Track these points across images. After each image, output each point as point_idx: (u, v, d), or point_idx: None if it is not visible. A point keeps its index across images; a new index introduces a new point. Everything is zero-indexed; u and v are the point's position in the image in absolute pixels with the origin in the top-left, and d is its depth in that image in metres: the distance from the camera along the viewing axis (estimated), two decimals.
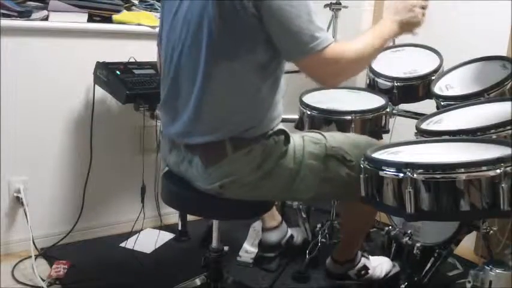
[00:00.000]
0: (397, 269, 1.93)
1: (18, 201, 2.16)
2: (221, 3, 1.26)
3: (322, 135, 1.51)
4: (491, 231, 1.73)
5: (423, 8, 1.45)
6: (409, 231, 1.86)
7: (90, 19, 2.21)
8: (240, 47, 1.29)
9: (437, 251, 1.82)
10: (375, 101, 1.95)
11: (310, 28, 1.24)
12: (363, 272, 1.86)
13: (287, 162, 1.41)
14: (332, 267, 1.87)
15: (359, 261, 1.86)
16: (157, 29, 2.25)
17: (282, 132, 1.42)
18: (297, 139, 1.46)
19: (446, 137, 1.42)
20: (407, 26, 1.44)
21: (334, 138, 1.50)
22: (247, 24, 1.26)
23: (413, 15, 1.43)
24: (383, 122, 1.90)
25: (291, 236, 2.16)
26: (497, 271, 1.45)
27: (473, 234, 2.07)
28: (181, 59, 1.39)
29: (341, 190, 1.47)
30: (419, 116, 1.70)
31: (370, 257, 1.92)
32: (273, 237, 2.12)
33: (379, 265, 1.91)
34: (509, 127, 1.33)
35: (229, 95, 1.34)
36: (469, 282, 1.50)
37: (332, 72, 1.32)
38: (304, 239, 2.22)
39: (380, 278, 1.90)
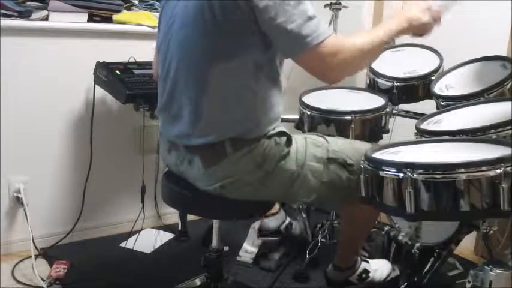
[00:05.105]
0: (396, 272, 1.92)
1: (18, 201, 2.16)
2: (216, 4, 1.25)
3: (325, 138, 1.51)
4: (491, 231, 1.73)
5: (436, 20, 1.43)
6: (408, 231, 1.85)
7: (90, 19, 2.21)
8: (237, 47, 1.29)
9: (437, 251, 1.82)
10: (374, 101, 1.95)
11: (306, 22, 1.22)
12: (363, 275, 1.85)
13: (289, 164, 1.40)
14: (333, 274, 1.85)
15: (359, 266, 1.86)
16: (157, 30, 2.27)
17: (284, 134, 1.42)
18: (299, 141, 1.46)
19: (446, 137, 1.42)
20: (416, 25, 1.40)
21: (336, 142, 1.50)
22: (243, 24, 1.25)
23: (424, 15, 1.40)
24: (383, 122, 1.90)
25: (290, 223, 2.17)
26: (497, 271, 1.45)
27: (473, 234, 2.07)
28: (178, 61, 1.38)
29: (340, 194, 1.47)
30: (419, 116, 1.70)
31: (369, 260, 1.92)
32: (272, 222, 2.13)
33: (379, 268, 1.91)
34: (509, 127, 1.33)
35: (227, 96, 1.34)
36: (469, 282, 1.50)
37: (333, 66, 1.27)
38: (302, 232, 2.22)
39: (381, 281, 1.90)
